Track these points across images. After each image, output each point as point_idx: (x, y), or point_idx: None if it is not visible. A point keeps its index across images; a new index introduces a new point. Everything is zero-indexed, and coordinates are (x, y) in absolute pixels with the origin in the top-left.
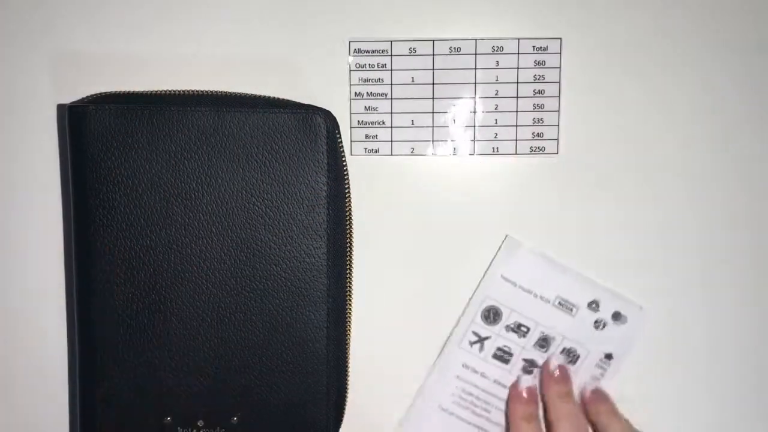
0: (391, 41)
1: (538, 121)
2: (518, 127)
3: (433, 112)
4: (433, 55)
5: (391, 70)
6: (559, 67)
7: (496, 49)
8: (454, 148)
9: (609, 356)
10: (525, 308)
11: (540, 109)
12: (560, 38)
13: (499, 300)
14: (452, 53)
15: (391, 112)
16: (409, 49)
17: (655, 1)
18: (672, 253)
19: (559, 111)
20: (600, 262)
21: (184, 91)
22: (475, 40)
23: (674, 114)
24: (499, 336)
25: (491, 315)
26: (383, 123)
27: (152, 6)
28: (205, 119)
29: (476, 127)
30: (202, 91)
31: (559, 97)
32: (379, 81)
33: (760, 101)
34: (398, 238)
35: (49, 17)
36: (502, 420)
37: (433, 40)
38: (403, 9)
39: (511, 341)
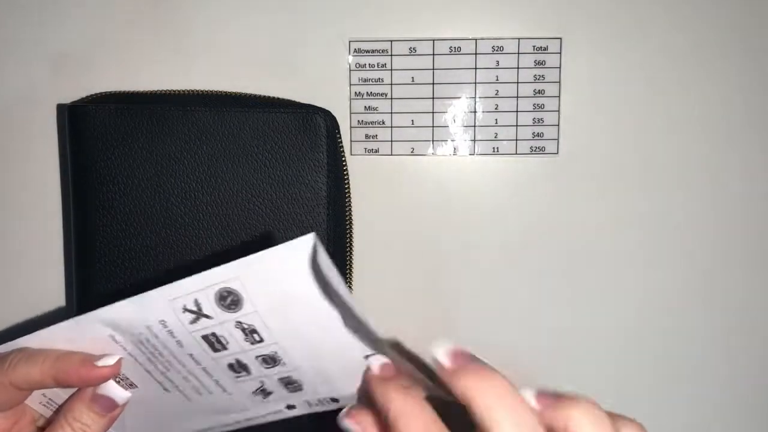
0: (391, 41)
1: (538, 121)
2: (518, 127)
3: (433, 112)
4: (433, 54)
5: (391, 70)
6: (559, 67)
7: (496, 48)
8: (454, 148)
9: (335, 400)
10: (272, 319)
11: (540, 109)
12: (560, 38)
13: (248, 292)
14: (452, 53)
15: (391, 112)
16: (409, 49)
17: (655, 1)
18: (672, 252)
19: (559, 111)
20: (600, 261)
21: (184, 91)
22: (475, 40)
23: (674, 114)
24: (221, 325)
25: (228, 300)
26: (383, 123)
27: (152, 6)
28: (205, 119)
29: (476, 127)
30: (202, 91)
31: (559, 97)
32: (379, 81)
33: (761, 101)
34: (398, 238)
35: (50, 17)
36: (178, 380)
37: (433, 40)
38: (403, 9)
39: (234, 339)
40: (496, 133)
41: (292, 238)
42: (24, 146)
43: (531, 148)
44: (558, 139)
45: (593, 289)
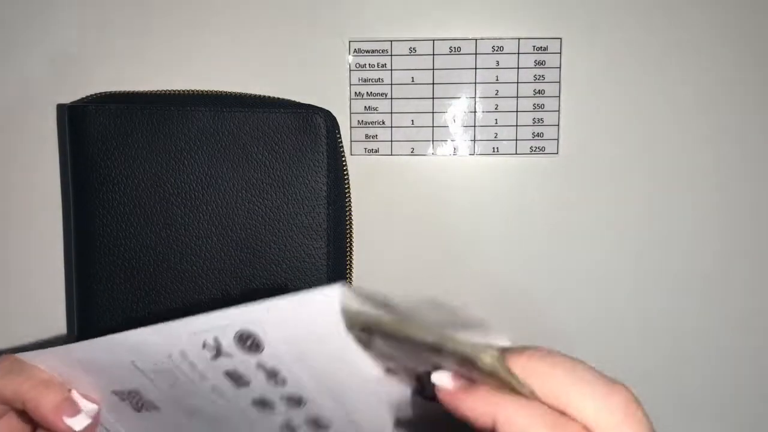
0: (391, 41)
1: (538, 121)
2: (518, 127)
3: (433, 112)
4: (433, 55)
5: (391, 70)
6: (559, 67)
7: (496, 49)
8: (454, 148)
9: None
10: (297, 365)
11: (540, 109)
12: (560, 38)
13: (269, 338)
14: (452, 53)
15: (391, 112)
16: (409, 49)
17: (654, 1)
18: (672, 252)
19: (559, 111)
20: (600, 262)
21: (184, 91)
22: (475, 40)
23: (674, 114)
24: (243, 363)
25: (248, 342)
26: (383, 123)
27: (152, 7)
28: (205, 119)
29: (476, 127)
30: (202, 91)
31: (559, 97)
32: (379, 81)
33: (761, 101)
34: (398, 238)
35: (49, 17)
36: (202, 407)
37: (433, 40)
38: (403, 9)
39: (256, 378)
40: (496, 133)
41: (291, 238)
42: (24, 146)
43: (531, 148)
44: (558, 139)
45: (593, 289)
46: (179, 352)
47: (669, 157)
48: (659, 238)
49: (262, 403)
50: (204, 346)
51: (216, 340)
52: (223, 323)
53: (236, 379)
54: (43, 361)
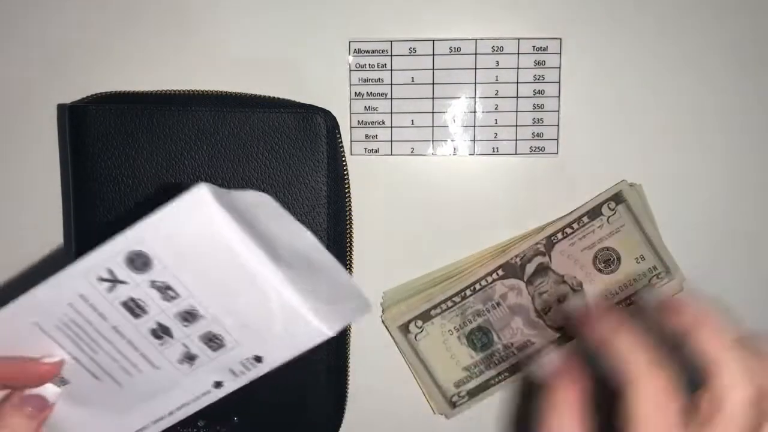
0: (391, 41)
1: (538, 121)
2: (518, 127)
3: (433, 112)
4: (433, 55)
5: (391, 70)
6: (559, 67)
7: (496, 49)
8: (454, 148)
9: (258, 359)
10: (184, 271)
11: (540, 109)
12: (560, 38)
13: (155, 251)
14: (452, 53)
15: (391, 112)
16: (409, 49)
17: (655, 1)
18: (673, 253)
19: (559, 111)
20: None
21: (184, 91)
22: (475, 40)
23: (674, 114)
24: (138, 287)
25: (138, 263)
26: (383, 123)
27: (153, 6)
28: (205, 119)
29: (476, 127)
30: (202, 91)
31: (559, 97)
32: (379, 81)
33: (760, 101)
34: (398, 238)
35: (50, 17)
36: (106, 362)
37: (433, 40)
38: (403, 9)
39: (151, 299)
40: (496, 133)
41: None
42: (24, 146)
43: (531, 148)
44: (558, 139)
45: None
46: (79, 296)
47: (669, 158)
48: None
49: (161, 330)
50: (100, 280)
51: (109, 271)
52: (112, 252)
53: (133, 308)
54: None
